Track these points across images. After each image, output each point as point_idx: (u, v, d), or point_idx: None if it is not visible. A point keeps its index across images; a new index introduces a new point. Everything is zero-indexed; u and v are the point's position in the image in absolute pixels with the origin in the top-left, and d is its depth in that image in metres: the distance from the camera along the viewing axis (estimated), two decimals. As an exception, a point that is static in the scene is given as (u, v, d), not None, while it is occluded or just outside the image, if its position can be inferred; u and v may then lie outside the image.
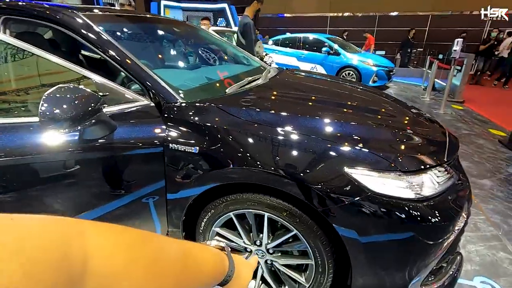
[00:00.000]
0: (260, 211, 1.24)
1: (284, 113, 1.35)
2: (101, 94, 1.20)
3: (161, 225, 1.41)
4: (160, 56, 1.92)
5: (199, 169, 1.22)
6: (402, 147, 1.24)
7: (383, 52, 9.95)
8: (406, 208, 1.07)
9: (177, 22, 2.42)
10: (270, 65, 5.96)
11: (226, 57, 2.44)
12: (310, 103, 1.65)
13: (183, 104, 1.31)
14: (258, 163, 1.14)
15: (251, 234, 1.34)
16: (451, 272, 1.30)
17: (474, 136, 4.21)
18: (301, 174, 1.11)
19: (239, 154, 1.18)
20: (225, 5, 10.35)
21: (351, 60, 7.38)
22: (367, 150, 1.13)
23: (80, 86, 1.04)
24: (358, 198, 1.06)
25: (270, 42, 8.63)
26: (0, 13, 1.38)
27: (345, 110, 1.58)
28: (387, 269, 1.16)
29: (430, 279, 1.25)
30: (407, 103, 1.98)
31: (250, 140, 1.19)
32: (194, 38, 2.44)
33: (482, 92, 7.93)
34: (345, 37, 10.84)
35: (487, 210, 2.36)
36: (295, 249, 1.29)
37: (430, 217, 1.09)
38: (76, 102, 1.00)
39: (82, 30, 1.32)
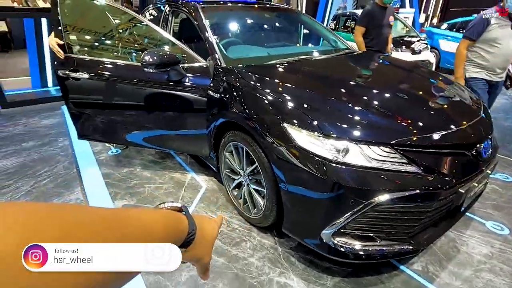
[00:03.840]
0: (243, 145, 1.78)
1: (277, 81, 1.80)
2: (181, 55, 2.07)
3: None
4: (245, 36, 2.63)
5: (216, 109, 1.90)
6: (345, 119, 1.46)
7: None
8: (321, 165, 1.34)
9: (279, 8, 2.99)
10: (419, 52, 5.44)
11: (313, 40, 2.82)
12: (313, 79, 1.99)
13: (227, 67, 1.98)
14: (242, 110, 1.69)
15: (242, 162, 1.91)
16: (378, 248, 1.38)
17: None
18: (257, 121, 1.58)
19: (238, 103, 1.75)
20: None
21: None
22: (304, 113, 1.46)
23: (166, 48, 1.93)
24: (285, 145, 1.43)
25: (444, 26, 7.33)
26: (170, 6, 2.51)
27: (340, 86, 1.84)
28: (304, 215, 1.47)
29: (350, 238, 1.41)
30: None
31: (245, 95, 1.74)
32: (286, 22, 2.94)
33: None
34: None
35: None
36: (258, 178, 1.76)
37: (339, 180, 1.31)
38: (161, 56, 1.89)
39: (193, 16, 2.22)
